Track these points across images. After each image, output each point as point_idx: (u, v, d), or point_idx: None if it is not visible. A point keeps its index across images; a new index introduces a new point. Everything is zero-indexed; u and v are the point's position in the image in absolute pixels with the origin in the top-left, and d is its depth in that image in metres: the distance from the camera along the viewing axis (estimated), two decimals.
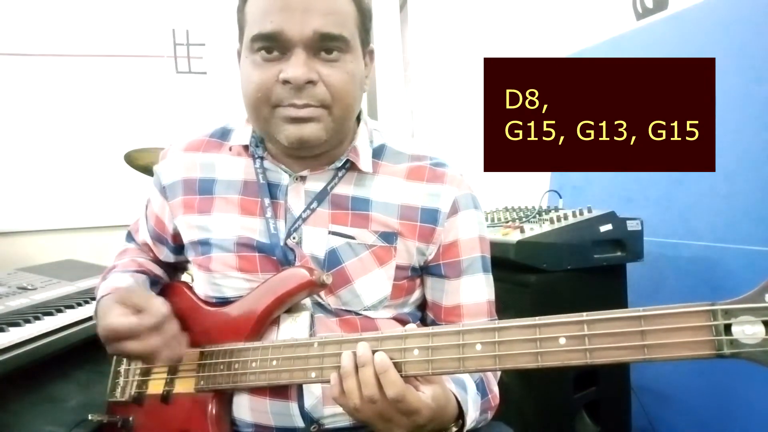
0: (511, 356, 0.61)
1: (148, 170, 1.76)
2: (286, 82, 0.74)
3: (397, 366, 0.66)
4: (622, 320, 0.56)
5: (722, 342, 0.51)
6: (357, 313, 0.84)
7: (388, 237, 0.83)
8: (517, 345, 0.61)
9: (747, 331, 0.51)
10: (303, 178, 0.85)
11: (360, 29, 0.79)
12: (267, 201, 0.84)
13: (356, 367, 0.66)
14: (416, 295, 0.90)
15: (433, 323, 0.91)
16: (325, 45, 0.74)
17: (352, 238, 0.83)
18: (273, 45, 0.74)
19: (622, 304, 1.56)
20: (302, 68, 0.73)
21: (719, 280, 1.50)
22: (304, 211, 0.84)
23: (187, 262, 1.01)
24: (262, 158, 0.87)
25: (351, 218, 0.84)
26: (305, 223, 0.84)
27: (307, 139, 0.77)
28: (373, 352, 0.67)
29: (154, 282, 0.96)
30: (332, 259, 0.83)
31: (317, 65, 0.75)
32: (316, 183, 0.85)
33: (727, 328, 0.51)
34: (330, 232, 0.83)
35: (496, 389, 0.88)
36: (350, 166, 0.85)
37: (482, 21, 2.66)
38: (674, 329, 0.53)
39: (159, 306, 0.77)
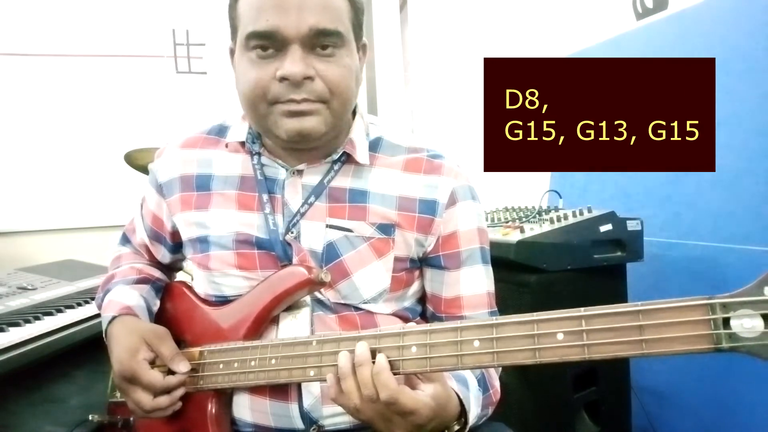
0: (509, 353, 0.61)
1: (148, 170, 1.76)
2: (283, 79, 0.74)
3: (395, 364, 0.66)
4: (620, 315, 0.56)
5: (720, 336, 0.51)
6: (357, 308, 0.84)
7: (386, 229, 0.83)
8: (515, 341, 0.61)
9: (745, 324, 0.50)
10: (300, 172, 0.85)
11: (353, 23, 0.80)
12: (265, 196, 0.85)
13: (353, 368, 0.66)
14: (415, 287, 0.90)
15: (433, 316, 0.91)
16: (320, 41, 0.75)
17: (350, 230, 0.83)
18: (269, 43, 0.74)
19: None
20: (299, 64, 0.73)
21: (719, 280, 1.49)
22: (302, 206, 0.84)
23: (182, 260, 1.02)
24: (259, 154, 0.87)
25: (348, 211, 0.84)
26: (303, 218, 0.84)
27: (308, 132, 0.77)
28: (373, 352, 0.66)
29: (158, 289, 0.96)
30: (330, 253, 0.83)
31: (313, 61, 0.75)
32: (313, 176, 0.85)
33: (726, 322, 0.51)
34: (327, 226, 0.83)
35: (497, 384, 0.88)
36: (347, 159, 0.85)
37: (482, 21, 2.66)
38: (672, 324, 0.53)
39: (184, 367, 0.80)
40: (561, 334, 0.58)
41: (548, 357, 0.59)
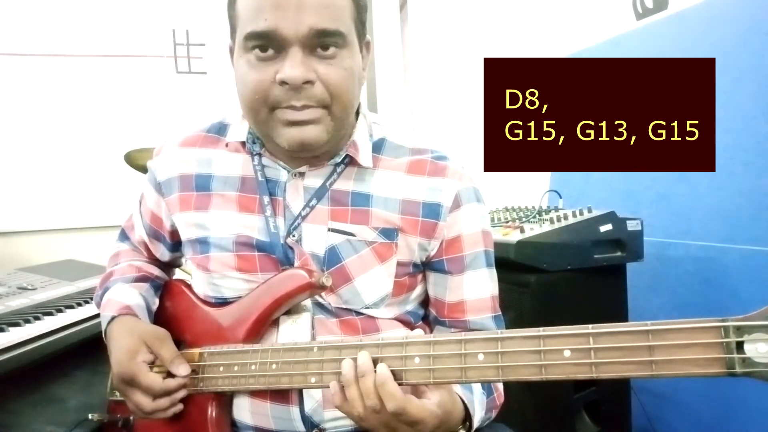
0: (515, 368, 0.60)
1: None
2: (283, 83, 0.72)
3: (398, 374, 0.65)
4: (629, 334, 0.54)
5: (734, 360, 0.49)
6: (358, 313, 0.83)
7: (389, 233, 0.83)
8: (521, 356, 0.59)
9: (760, 349, 0.48)
10: (301, 174, 0.84)
11: (356, 22, 0.77)
12: (266, 199, 0.84)
13: (356, 376, 0.66)
14: (418, 291, 0.89)
15: (436, 320, 0.90)
16: (321, 41, 0.72)
17: (352, 234, 0.82)
18: (267, 43, 0.72)
19: (622, 304, 1.57)
20: (299, 68, 0.71)
21: (719, 280, 1.49)
22: (303, 209, 0.83)
23: (181, 258, 1.01)
24: (259, 155, 0.86)
25: (351, 214, 0.83)
26: (305, 221, 0.83)
27: (309, 142, 0.76)
28: (374, 361, 0.65)
29: (158, 287, 0.95)
30: (332, 257, 0.82)
31: (314, 63, 0.73)
32: (314, 179, 0.84)
33: (739, 346, 0.49)
34: (330, 229, 0.82)
35: (501, 387, 0.88)
36: (349, 161, 0.84)
37: (482, 21, 2.66)
38: (683, 345, 0.51)
39: (183, 371, 0.80)
40: (568, 351, 0.56)
41: (555, 374, 0.57)
